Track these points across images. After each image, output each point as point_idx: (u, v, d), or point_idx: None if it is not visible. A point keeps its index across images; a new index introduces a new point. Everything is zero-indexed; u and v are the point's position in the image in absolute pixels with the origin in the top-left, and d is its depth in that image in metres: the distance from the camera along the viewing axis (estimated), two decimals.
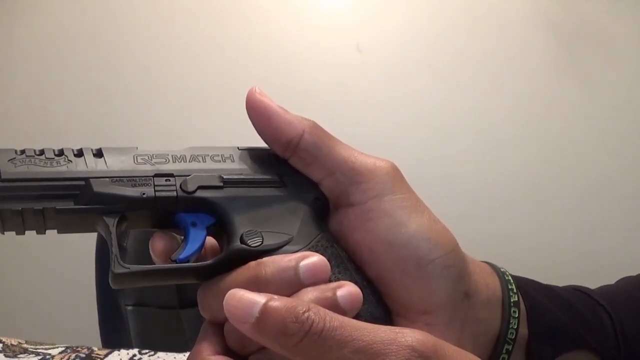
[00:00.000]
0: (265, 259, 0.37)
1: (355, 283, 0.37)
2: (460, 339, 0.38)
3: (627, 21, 1.70)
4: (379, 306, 0.38)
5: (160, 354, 0.72)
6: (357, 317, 0.36)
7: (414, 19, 1.71)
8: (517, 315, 0.41)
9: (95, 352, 0.73)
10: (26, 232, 0.38)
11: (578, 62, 1.69)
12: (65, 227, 0.38)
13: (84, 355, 0.71)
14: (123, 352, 0.73)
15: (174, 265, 0.38)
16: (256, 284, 0.35)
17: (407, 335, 0.33)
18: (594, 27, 1.68)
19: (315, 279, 0.36)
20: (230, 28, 1.71)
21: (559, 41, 1.69)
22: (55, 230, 0.38)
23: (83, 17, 1.76)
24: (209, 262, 0.38)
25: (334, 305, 0.35)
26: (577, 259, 1.62)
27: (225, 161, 0.41)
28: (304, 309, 0.33)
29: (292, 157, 0.40)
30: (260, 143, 0.42)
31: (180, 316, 1.35)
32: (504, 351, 0.41)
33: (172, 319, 1.33)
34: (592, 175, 1.67)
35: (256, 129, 0.40)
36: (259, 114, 0.40)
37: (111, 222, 0.38)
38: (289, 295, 0.35)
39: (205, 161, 0.41)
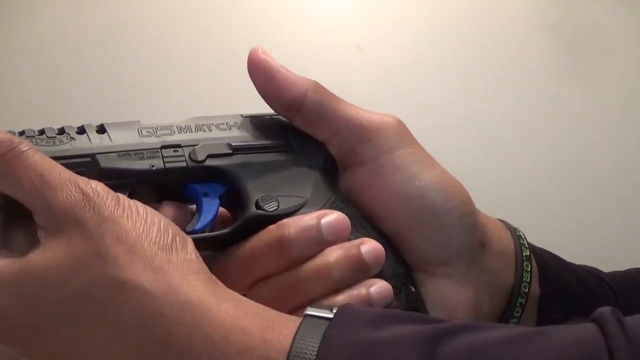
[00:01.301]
0: (285, 220, 0.37)
1: None
2: (476, 290, 0.39)
3: (628, 21, 1.69)
4: (399, 262, 0.38)
5: None
6: (380, 274, 0.36)
7: (414, 19, 1.71)
8: (529, 269, 0.41)
9: None
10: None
11: (579, 61, 1.68)
12: None
13: None
14: None
15: (192, 236, 0.37)
16: (280, 246, 0.36)
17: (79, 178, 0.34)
18: (595, 26, 1.68)
19: (338, 235, 0.36)
20: (230, 28, 1.71)
21: (560, 41, 1.68)
22: None
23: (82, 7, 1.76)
24: (226, 230, 0.38)
25: (360, 262, 0.35)
26: (579, 259, 1.61)
27: (230, 129, 0.41)
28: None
29: (296, 118, 0.40)
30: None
31: None
32: (518, 304, 0.41)
33: None
34: (594, 175, 1.67)
35: (258, 88, 0.41)
36: (261, 73, 0.40)
37: None
38: (314, 255, 0.35)
39: (211, 130, 0.40)
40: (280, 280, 0.36)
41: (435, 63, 1.70)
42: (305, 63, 1.77)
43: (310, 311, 0.31)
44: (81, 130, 0.38)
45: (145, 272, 0.31)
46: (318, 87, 0.41)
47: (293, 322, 0.31)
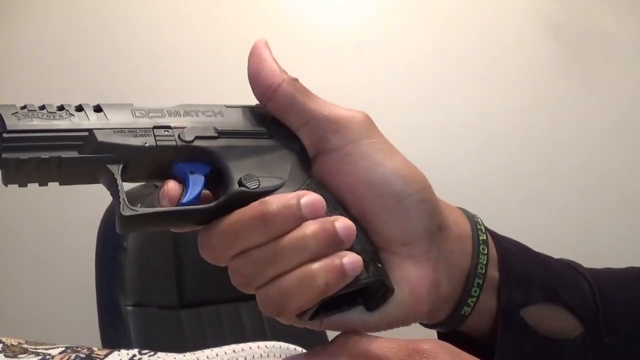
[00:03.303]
0: (268, 197, 0.40)
1: None
2: (436, 272, 0.43)
3: (631, 23, 1.69)
4: (367, 240, 0.42)
5: (160, 354, 0.72)
6: (350, 250, 0.39)
7: (414, 20, 1.71)
8: (486, 252, 0.45)
9: (95, 352, 0.73)
10: (28, 184, 0.40)
11: (582, 64, 1.69)
12: (67, 178, 0.40)
13: (84, 356, 0.71)
14: (123, 352, 0.73)
15: (180, 207, 0.41)
16: (263, 220, 0.39)
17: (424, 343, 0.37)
18: (598, 29, 1.68)
19: (314, 214, 0.39)
20: (229, 29, 1.71)
21: (563, 43, 1.69)
22: (57, 183, 0.40)
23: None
24: (212, 204, 0.41)
25: (334, 235, 0.39)
26: (581, 261, 1.61)
27: (216, 116, 0.45)
28: None
29: (269, 103, 0.44)
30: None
31: (180, 316, 1.35)
32: (475, 284, 0.44)
33: (172, 319, 1.34)
34: (597, 178, 1.68)
35: (247, 68, 0.44)
36: (253, 56, 0.44)
37: (115, 169, 0.40)
38: (292, 229, 0.39)
39: (198, 116, 0.44)
40: (261, 252, 0.39)
41: (436, 64, 1.70)
42: (305, 63, 1.77)
43: None
44: (79, 108, 0.41)
45: None
46: (295, 82, 0.44)
47: None
